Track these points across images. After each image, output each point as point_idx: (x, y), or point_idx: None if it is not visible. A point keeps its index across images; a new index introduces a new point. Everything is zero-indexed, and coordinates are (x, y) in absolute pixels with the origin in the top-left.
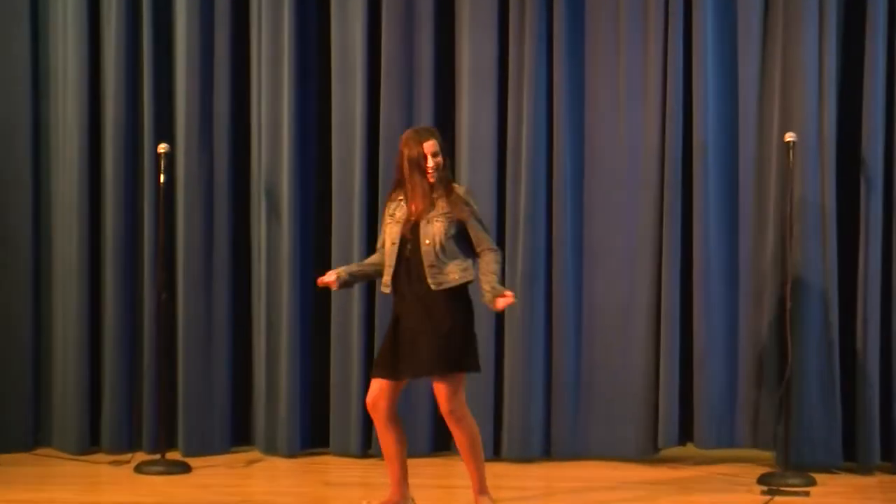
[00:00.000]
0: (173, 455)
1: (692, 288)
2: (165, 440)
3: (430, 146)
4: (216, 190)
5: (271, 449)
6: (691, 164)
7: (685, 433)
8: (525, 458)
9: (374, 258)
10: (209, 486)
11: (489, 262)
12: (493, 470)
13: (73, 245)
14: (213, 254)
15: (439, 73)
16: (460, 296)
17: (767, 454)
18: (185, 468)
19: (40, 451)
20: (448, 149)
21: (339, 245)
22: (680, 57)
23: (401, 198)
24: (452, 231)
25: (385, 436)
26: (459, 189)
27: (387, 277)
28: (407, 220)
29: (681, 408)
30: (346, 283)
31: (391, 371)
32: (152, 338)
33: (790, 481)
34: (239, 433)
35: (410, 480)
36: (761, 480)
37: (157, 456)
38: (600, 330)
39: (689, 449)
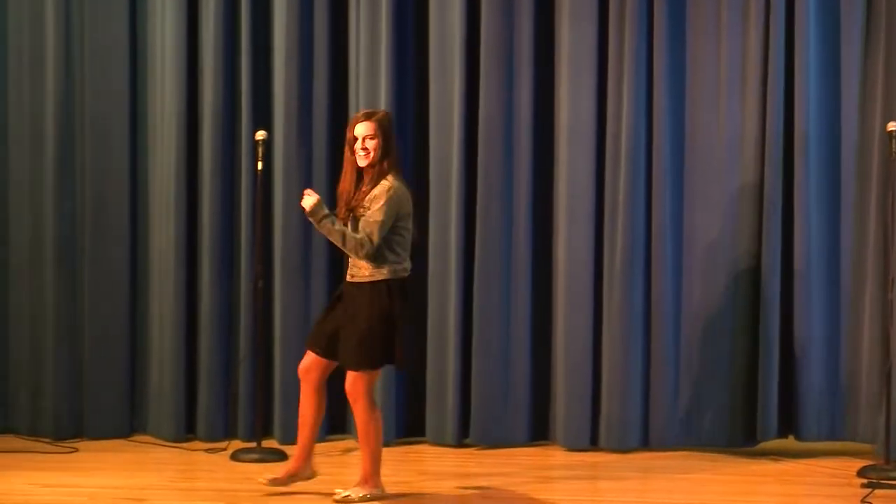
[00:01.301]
0: (269, 443)
1: (793, 279)
2: (261, 428)
3: (363, 128)
4: (314, 177)
5: None
6: (792, 154)
7: (785, 426)
8: (623, 448)
9: None
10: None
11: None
12: (591, 459)
13: (170, 234)
14: (310, 242)
15: (538, 61)
16: (376, 292)
17: (868, 447)
18: (281, 456)
19: (137, 437)
20: (397, 139)
21: (435, 236)
22: (781, 45)
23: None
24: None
25: (307, 403)
26: (384, 185)
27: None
28: (343, 205)
29: (781, 400)
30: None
31: (323, 349)
32: (248, 326)
33: (891, 474)
34: (334, 422)
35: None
36: (861, 473)
37: (253, 444)
38: (699, 320)
39: (789, 442)
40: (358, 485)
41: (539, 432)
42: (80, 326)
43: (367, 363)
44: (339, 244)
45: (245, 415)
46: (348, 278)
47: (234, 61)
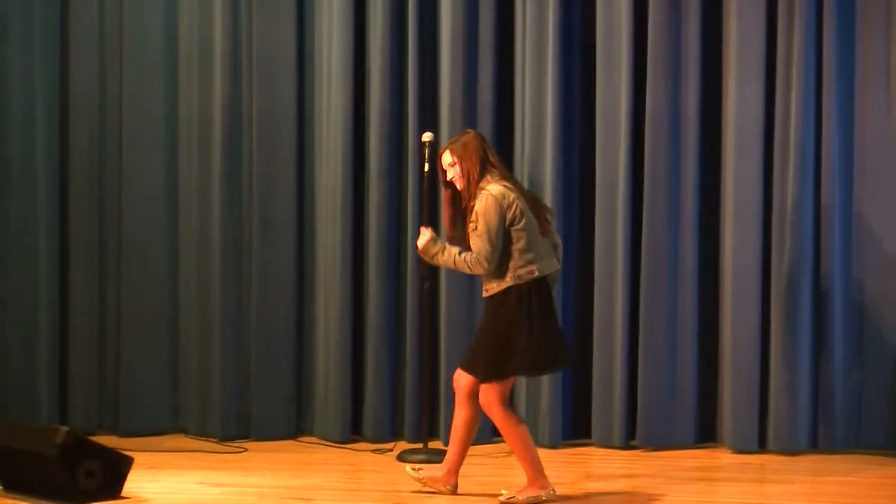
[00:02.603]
0: (435, 444)
1: None
2: (427, 429)
3: (444, 160)
4: None
5: (532, 439)
6: None
7: None
8: (791, 450)
9: None
10: (470, 476)
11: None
12: (758, 461)
13: (337, 235)
14: None
15: (706, 61)
16: (503, 301)
17: None
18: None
19: (304, 438)
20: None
21: (602, 237)
22: None
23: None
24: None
25: (459, 414)
26: (480, 197)
27: None
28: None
29: None
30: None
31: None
32: (415, 327)
33: None
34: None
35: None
36: None
37: (419, 445)
38: (869, 321)
39: None
40: (525, 488)
41: (706, 434)
42: (247, 328)
43: (493, 374)
44: (458, 270)
45: (411, 416)
46: (483, 294)
47: (401, 64)
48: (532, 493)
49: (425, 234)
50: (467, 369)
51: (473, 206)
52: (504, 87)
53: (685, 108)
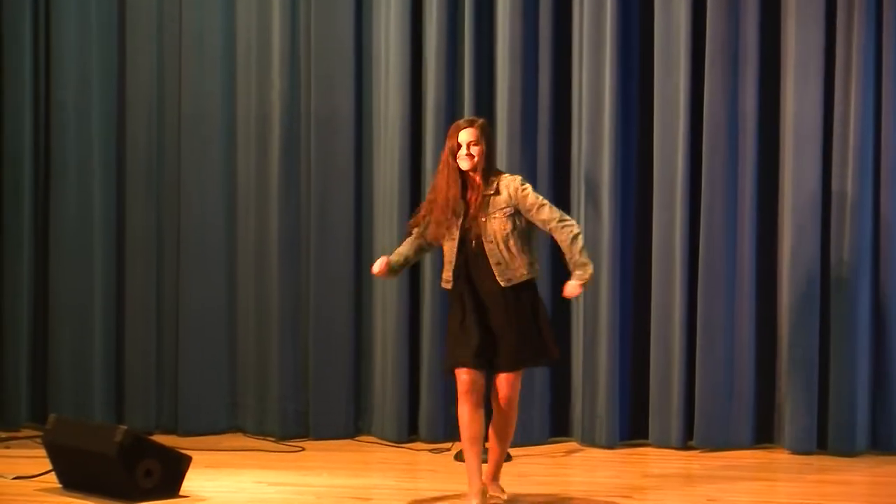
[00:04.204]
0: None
1: None
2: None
3: (467, 134)
4: (538, 180)
5: (589, 440)
6: None
7: None
8: (850, 451)
9: (414, 243)
10: (528, 476)
11: (563, 240)
12: (817, 462)
13: (394, 237)
14: None
15: (764, 61)
16: (535, 290)
17: None
18: (505, 457)
19: (361, 438)
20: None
21: (659, 238)
22: None
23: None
24: (511, 227)
25: (473, 421)
26: (510, 179)
27: (448, 273)
28: (448, 210)
29: None
30: (393, 271)
31: (483, 363)
32: None
33: None
34: (558, 424)
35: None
36: None
37: None
38: None
39: None
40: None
41: (764, 435)
42: (305, 327)
43: (554, 352)
44: (589, 259)
45: None
46: (504, 284)
47: (458, 60)
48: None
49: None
50: (539, 363)
51: (488, 193)
52: (561, 87)
53: (743, 109)
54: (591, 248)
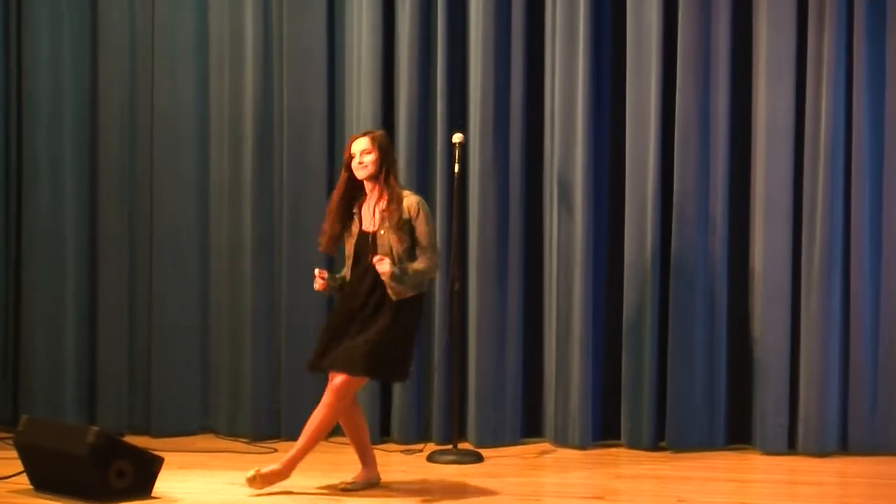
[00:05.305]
0: (465, 445)
1: None
2: (457, 430)
3: (360, 144)
4: (510, 180)
5: (562, 441)
6: None
7: None
8: (821, 452)
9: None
10: (499, 476)
11: (416, 262)
12: (788, 463)
13: None
14: (506, 244)
15: (736, 62)
16: (408, 307)
17: None
18: (477, 458)
19: (335, 439)
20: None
21: (632, 238)
22: None
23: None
24: (408, 243)
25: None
26: (411, 200)
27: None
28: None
29: None
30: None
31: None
32: (444, 328)
33: None
34: (530, 425)
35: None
36: None
37: (449, 446)
38: None
39: None
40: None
41: (735, 436)
42: (278, 327)
43: (399, 373)
44: (419, 285)
45: (440, 417)
46: (387, 294)
47: (430, 63)
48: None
49: (385, 262)
50: (362, 370)
51: (389, 207)
52: (534, 88)
53: (715, 109)
54: (564, 248)
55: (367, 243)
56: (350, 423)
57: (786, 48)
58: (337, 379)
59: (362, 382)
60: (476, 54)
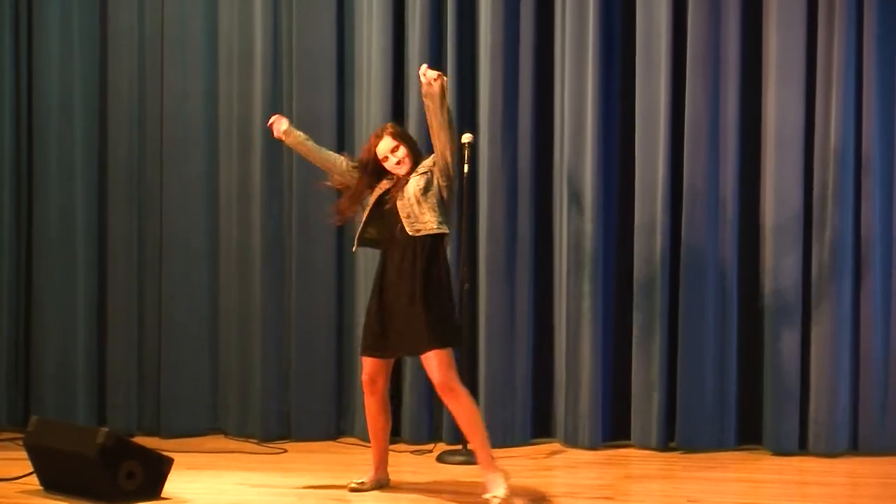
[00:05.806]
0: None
1: None
2: None
3: (385, 144)
4: (519, 180)
5: (572, 441)
6: None
7: None
8: (831, 452)
9: (330, 154)
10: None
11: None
12: (799, 464)
13: None
14: (515, 244)
15: (745, 64)
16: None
17: None
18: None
19: (344, 439)
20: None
21: (641, 239)
22: None
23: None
24: (428, 186)
25: (376, 415)
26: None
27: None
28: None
29: None
30: (292, 141)
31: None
32: None
33: None
34: (540, 425)
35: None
36: None
37: (459, 446)
38: None
39: None
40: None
41: (746, 436)
42: (287, 329)
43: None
44: (450, 127)
45: (450, 417)
46: (411, 233)
47: (440, 64)
48: (498, 474)
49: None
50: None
51: (406, 179)
52: (544, 90)
53: (724, 112)
54: (574, 249)
55: (394, 215)
56: (377, 424)
57: (796, 51)
58: (434, 375)
59: (451, 353)
60: (486, 55)
